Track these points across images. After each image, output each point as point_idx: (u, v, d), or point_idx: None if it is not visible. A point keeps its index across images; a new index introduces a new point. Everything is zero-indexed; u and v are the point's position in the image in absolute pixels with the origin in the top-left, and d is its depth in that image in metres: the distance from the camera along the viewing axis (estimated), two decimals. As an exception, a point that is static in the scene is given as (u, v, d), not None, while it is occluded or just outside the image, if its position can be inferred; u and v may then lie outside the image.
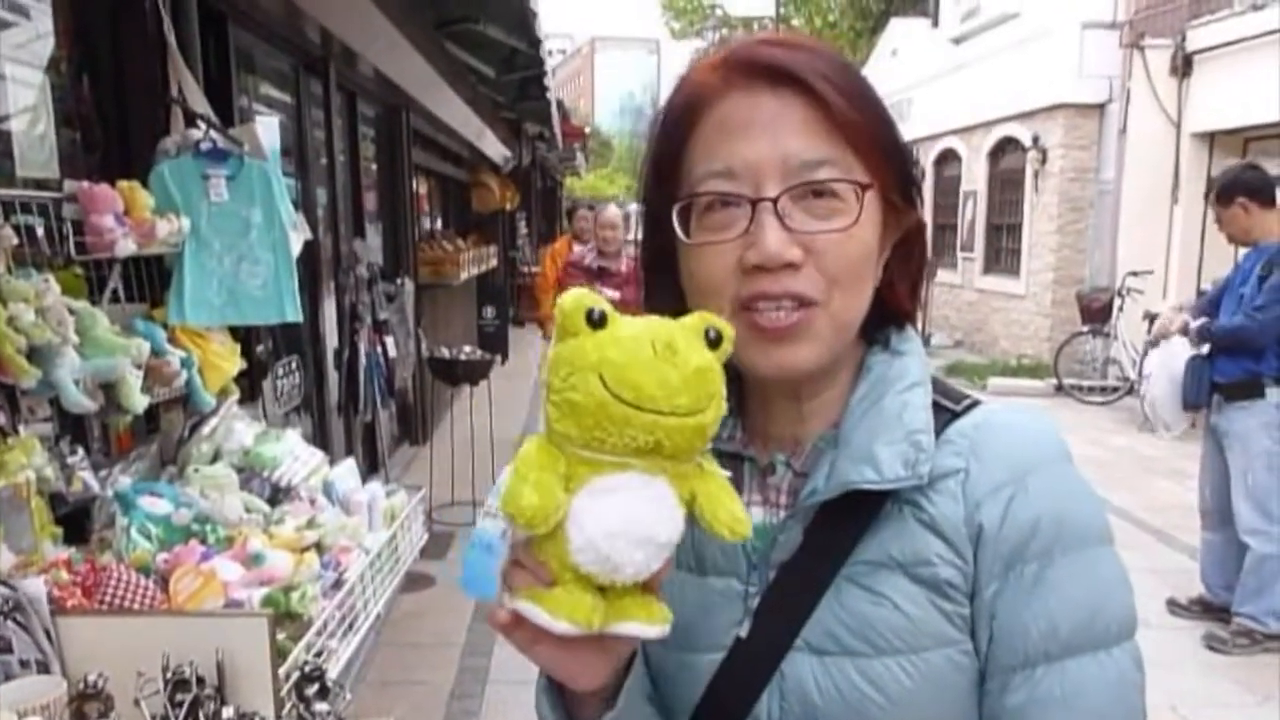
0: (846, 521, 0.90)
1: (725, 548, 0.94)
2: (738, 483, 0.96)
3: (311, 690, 1.65)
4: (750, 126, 0.87)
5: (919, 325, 1.03)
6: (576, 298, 0.75)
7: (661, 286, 0.97)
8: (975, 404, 0.95)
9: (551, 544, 0.75)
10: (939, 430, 0.91)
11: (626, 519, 0.73)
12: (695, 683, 0.95)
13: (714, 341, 0.77)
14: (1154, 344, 4.83)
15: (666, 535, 0.75)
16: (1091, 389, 11.02)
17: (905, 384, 0.93)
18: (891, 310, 0.96)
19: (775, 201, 0.85)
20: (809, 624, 0.90)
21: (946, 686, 0.89)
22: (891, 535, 0.89)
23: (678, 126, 0.91)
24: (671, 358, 0.73)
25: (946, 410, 0.94)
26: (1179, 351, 4.81)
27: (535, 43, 6.76)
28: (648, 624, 0.78)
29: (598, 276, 6.31)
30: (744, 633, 0.93)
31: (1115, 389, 10.82)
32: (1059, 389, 11.13)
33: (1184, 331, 4.77)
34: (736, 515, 0.78)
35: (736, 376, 0.99)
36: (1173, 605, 5.00)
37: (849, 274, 0.88)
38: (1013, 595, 0.87)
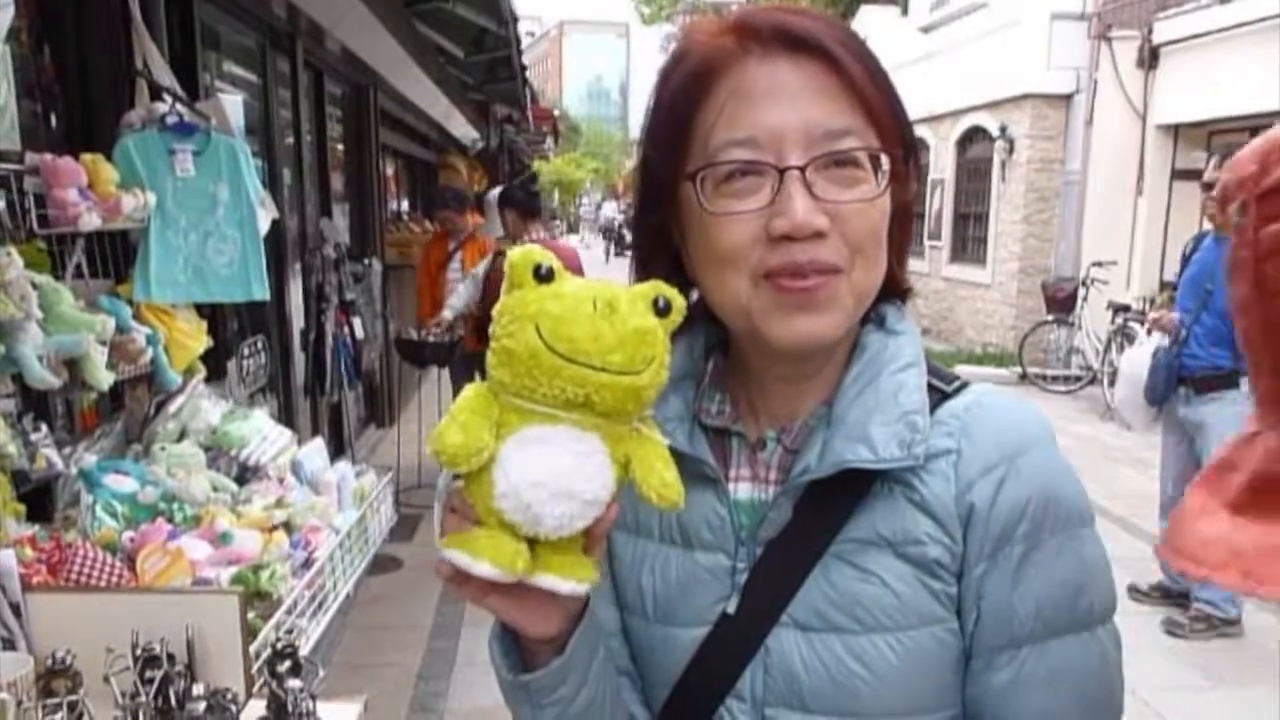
0: (837, 499, 0.90)
1: (712, 523, 0.94)
2: (725, 458, 0.97)
3: (284, 667, 1.63)
4: (772, 94, 0.85)
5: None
6: (526, 252, 0.76)
7: (654, 261, 0.95)
8: (964, 385, 0.95)
9: (478, 488, 0.75)
10: (931, 410, 0.91)
11: (550, 471, 0.74)
12: (678, 657, 0.95)
13: (663, 310, 0.77)
14: (1148, 332, 4.85)
15: (592, 493, 0.75)
16: (1055, 378, 11.14)
17: (900, 364, 0.92)
18: (889, 286, 0.94)
19: (803, 170, 0.84)
20: (795, 600, 0.91)
21: (932, 663, 0.89)
22: (881, 514, 0.89)
23: (688, 94, 0.89)
24: (610, 315, 0.74)
25: (938, 391, 0.93)
26: (1143, 353, 4.83)
27: (504, 22, 6.70)
28: (562, 579, 0.77)
29: None
30: (731, 608, 0.93)
31: (1079, 378, 10.93)
32: (1023, 378, 11.22)
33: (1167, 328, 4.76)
34: (666, 481, 0.78)
35: (723, 352, 1.00)
36: (1134, 591, 5.08)
37: (871, 242, 0.88)
38: (1000, 576, 0.88)
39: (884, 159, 0.87)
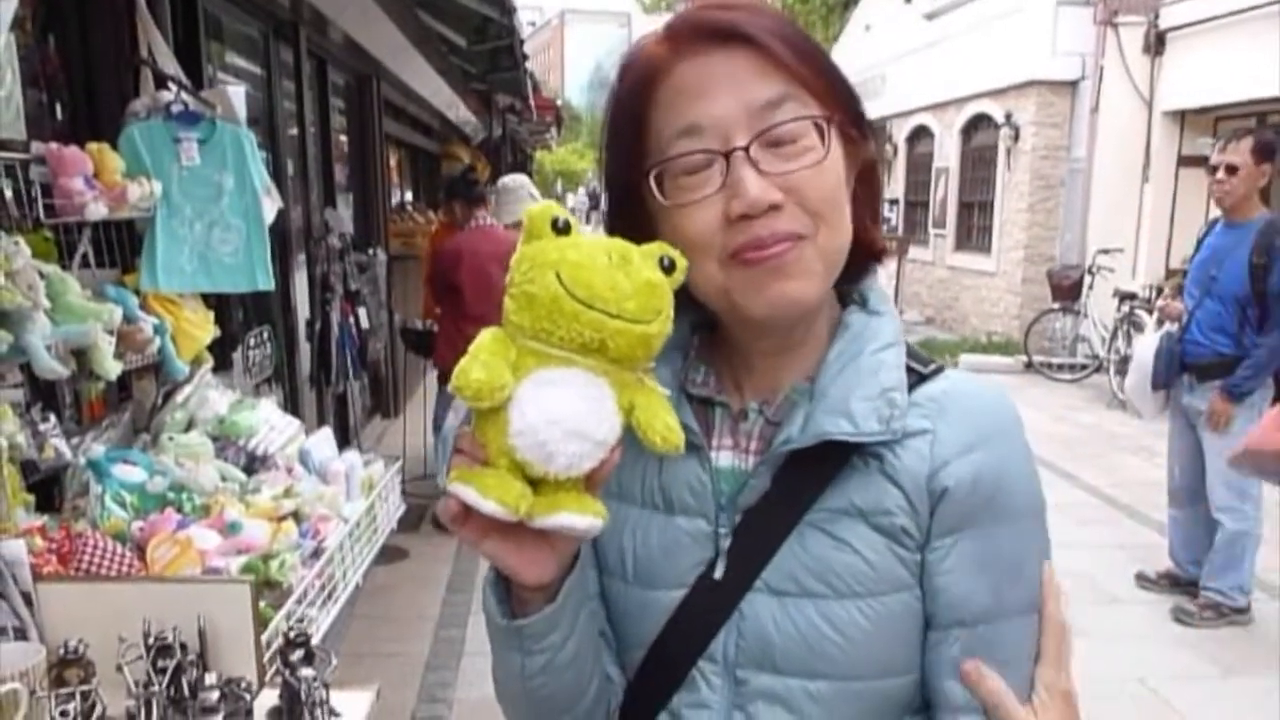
0: (815, 470, 0.94)
1: (694, 488, 0.98)
2: (709, 427, 1.01)
3: (296, 656, 1.63)
4: (708, 84, 0.90)
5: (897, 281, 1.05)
6: (545, 207, 0.81)
7: None
8: (940, 369, 1.00)
9: (493, 427, 0.79)
10: (908, 391, 0.95)
11: (566, 410, 0.78)
12: (655, 619, 0.99)
13: (668, 268, 0.82)
14: (1158, 322, 4.83)
15: (602, 434, 0.79)
16: (1061, 366, 11.10)
17: (881, 343, 0.97)
18: (865, 248, 0.98)
19: (747, 150, 0.89)
20: (771, 566, 0.95)
21: (900, 628, 0.94)
22: (856, 485, 0.94)
23: (635, 101, 0.94)
24: (625, 267, 0.79)
25: (915, 373, 0.98)
26: (1152, 341, 4.81)
27: (507, 11, 6.68)
28: (580, 514, 0.80)
29: None
30: (719, 573, 0.96)
31: (1084, 366, 10.90)
32: (1028, 366, 11.19)
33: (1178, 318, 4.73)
34: (670, 426, 0.82)
35: (710, 328, 1.04)
36: (1141, 579, 5.06)
37: (828, 205, 0.92)
38: (961, 554, 0.93)
39: (824, 123, 0.91)
